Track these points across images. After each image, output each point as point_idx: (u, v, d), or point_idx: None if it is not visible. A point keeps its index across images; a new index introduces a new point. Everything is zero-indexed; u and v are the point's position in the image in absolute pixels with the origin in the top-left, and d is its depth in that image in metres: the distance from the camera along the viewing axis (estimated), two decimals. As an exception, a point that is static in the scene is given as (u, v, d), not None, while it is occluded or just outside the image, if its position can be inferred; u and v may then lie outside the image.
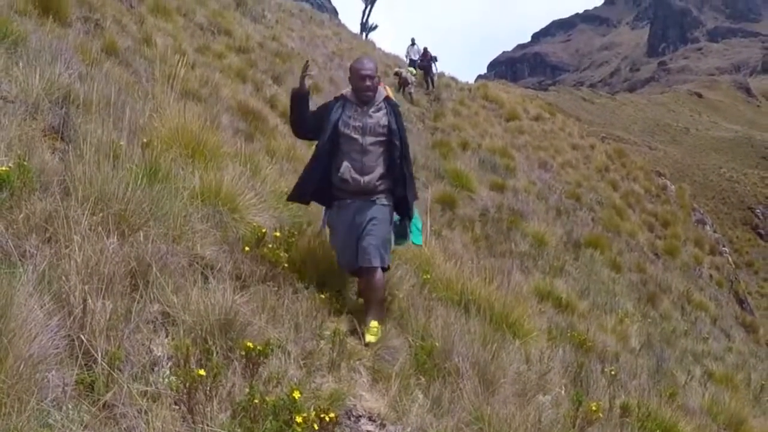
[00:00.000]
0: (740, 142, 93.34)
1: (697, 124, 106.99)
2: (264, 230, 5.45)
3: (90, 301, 3.49)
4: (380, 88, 5.79)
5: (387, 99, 5.79)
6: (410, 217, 5.96)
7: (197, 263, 4.58)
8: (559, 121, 31.29)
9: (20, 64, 6.03)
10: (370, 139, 5.59)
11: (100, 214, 4.18)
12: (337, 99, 5.82)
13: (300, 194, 5.82)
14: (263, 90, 14.79)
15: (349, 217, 5.58)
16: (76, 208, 4.09)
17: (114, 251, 3.90)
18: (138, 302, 3.78)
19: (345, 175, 5.54)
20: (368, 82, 5.63)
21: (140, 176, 4.70)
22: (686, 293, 17.42)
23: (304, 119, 5.80)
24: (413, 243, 6.22)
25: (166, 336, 3.82)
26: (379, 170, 5.62)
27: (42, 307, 3.29)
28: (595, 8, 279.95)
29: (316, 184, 5.70)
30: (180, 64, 9.21)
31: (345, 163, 5.56)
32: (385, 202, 5.70)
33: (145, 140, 5.81)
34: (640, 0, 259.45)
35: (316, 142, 5.82)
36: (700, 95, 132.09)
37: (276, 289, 4.88)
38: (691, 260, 21.54)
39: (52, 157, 4.84)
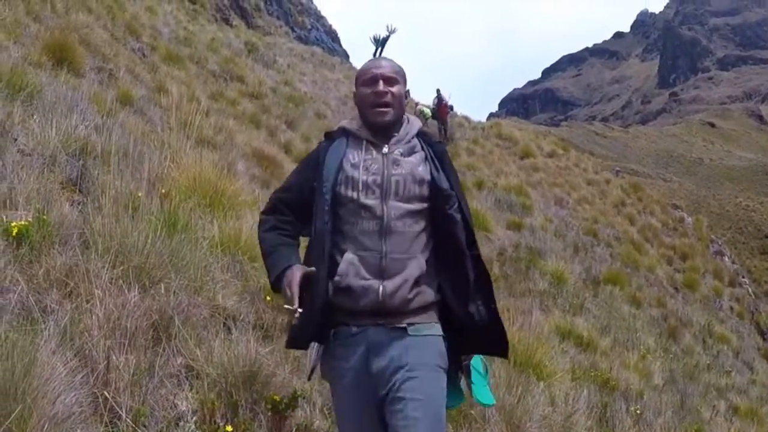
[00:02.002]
0: (755, 170, 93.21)
1: (711, 153, 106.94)
2: (284, 278, 5.30)
3: (113, 356, 3.46)
4: (411, 117, 3.31)
5: (423, 134, 3.27)
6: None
7: (219, 314, 4.54)
8: (573, 157, 31.26)
9: (35, 116, 6.08)
10: (398, 207, 3.00)
11: (121, 267, 4.15)
12: (330, 137, 3.27)
13: (299, 338, 3.05)
14: (277, 135, 14.87)
15: (359, 365, 2.95)
16: (97, 262, 4.08)
17: (135, 305, 3.87)
18: (161, 356, 3.76)
19: (347, 281, 2.92)
20: (381, 87, 3.13)
21: (160, 227, 4.68)
22: (707, 326, 17.22)
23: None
24: (480, 402, 3.34)
25: (191, 390, 3.78)
26: (416, 266, 2.96)
27: (65, 364, 3.25)
28: (604, 41, 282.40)
29: (320, 315, 2.95)
30: (194, 111, 9.28)
31: (348, 255, 2.96)
32: (431, 331, 2.99)
33: (163, 191, 5.82)
34: (648, 32, 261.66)
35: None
36: (712, 125, 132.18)
37: (299, 337, 4.83)
38: (711, 292, 21.33)
39: (70, 209, 4.83)
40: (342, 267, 2.93)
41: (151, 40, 16.11)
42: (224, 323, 4.47)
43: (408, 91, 3.28)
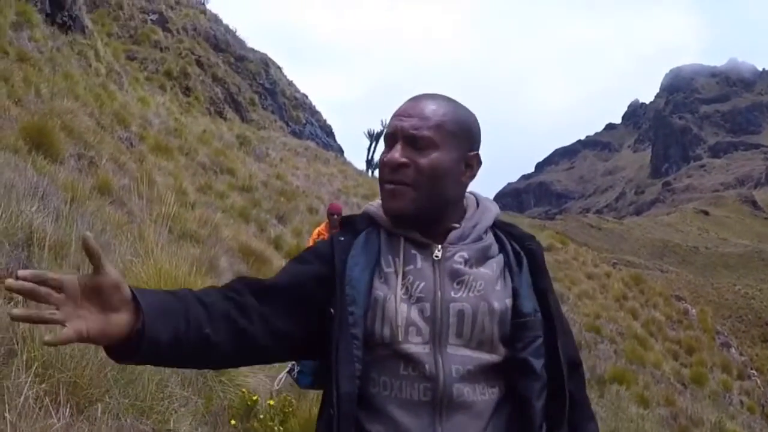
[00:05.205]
0: (751, 257, 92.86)
1: (706, 242, 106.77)
2: (255, 397, 4.42)
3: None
4: (482, 198, 1.95)
5: (506, 226, 1.97)
6: None
7: (169, 442, 3.65)
8: (572, 251, 30.89)
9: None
10: (462, 359, 1.65)
11: (49, 382, 3.39)
12: (351, 227, 1.83)
13: None
14: (267, 230, 14.44)
15: None
16: (20, 374, 3.30)
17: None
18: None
19: None
20: (398, 154, 1.73)
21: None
22: (719, 424, 16.47)
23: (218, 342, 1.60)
24: None
25: None
26: None
27: None
28: (596, 133, 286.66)
29: None
30: (176, 204, 8.75)
31: None
32: None
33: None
34: (640, 122, 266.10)
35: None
36: (706, 213, 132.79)
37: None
38: (720, 387, 20.59)
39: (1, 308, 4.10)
40: None
41: (140, 129, 15.72)
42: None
43: (476, 155, 1.84)
